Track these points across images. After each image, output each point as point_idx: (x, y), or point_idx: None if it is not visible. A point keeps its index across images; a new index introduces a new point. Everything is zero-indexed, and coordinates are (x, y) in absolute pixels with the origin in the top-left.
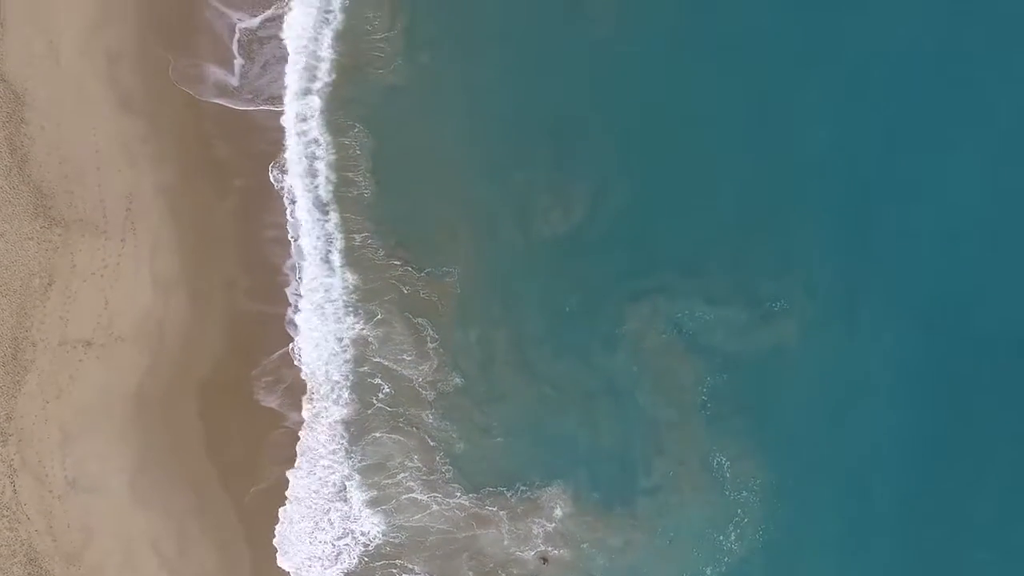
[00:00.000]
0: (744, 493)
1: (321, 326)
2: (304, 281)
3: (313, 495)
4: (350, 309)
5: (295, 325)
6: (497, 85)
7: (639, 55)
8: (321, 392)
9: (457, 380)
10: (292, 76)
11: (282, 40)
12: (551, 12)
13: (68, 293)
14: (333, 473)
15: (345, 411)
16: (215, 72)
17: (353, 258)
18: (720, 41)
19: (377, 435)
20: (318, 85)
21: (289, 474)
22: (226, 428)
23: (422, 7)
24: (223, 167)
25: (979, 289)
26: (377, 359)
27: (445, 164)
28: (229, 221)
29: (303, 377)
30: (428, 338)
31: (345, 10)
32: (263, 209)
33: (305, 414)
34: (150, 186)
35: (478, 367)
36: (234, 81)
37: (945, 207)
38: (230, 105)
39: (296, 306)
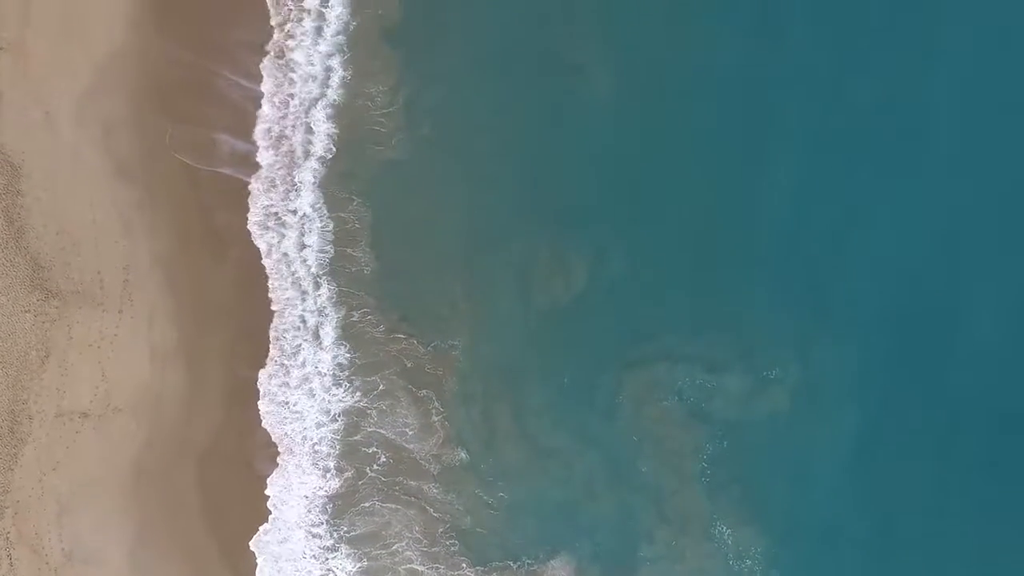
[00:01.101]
0: (747, 562)
1: (306, 400)
2: (288, 354)
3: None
4: (342, 382)
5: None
6: (497, 156)
7: (640, 125)
8: (303, 463)
9: (462, 454)
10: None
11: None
12: (552, 82)
13: (65, 365)
14: (321, 541)
15: (333, 483)
16: (218, 139)
17: (351, 333)
18: (721, 113)
19: (367, 504)
20: (310, 162)
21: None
22: (226, 499)
23: (423, 82)
24: (221, 236)
25: (974, 357)
26: (373, 429)
27: (445, 236)
28: (227, 291)
29: (279, 450)
30: (433, 410)
31: (345, 84)
32: (261, 278)
33: (272, 489)
34: (147, 256)
35: (483, 440)
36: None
37: (935, 282)
38: (230, 174)
39: (284, 378)
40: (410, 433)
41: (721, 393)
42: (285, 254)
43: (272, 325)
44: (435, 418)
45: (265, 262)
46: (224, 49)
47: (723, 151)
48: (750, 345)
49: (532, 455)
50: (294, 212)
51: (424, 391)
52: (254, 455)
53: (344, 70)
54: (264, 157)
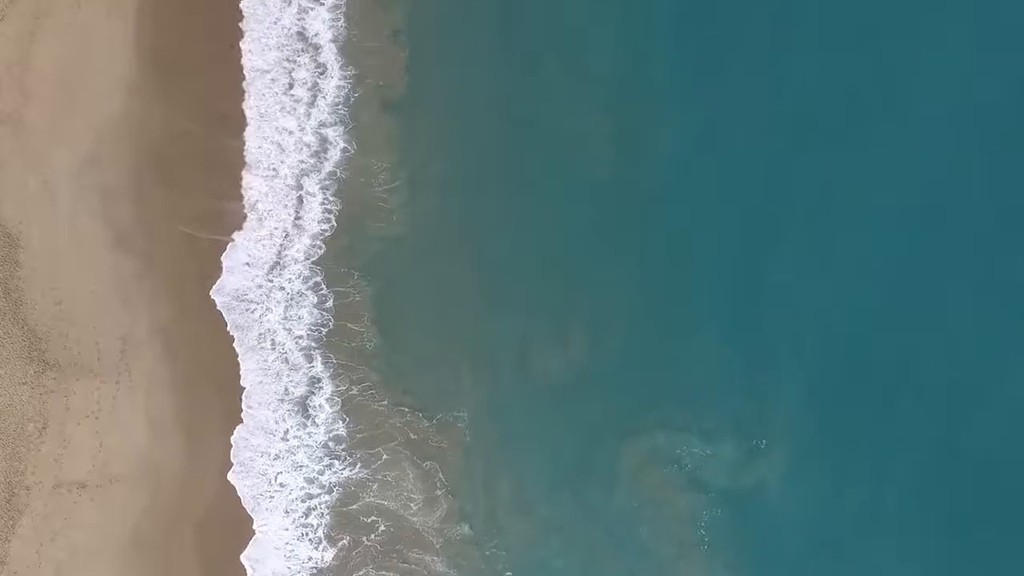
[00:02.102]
0: None
1: (293, 477)
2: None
3: None
4: (340, 455)
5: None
6: (499, 229)
7: (640, 198)
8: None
9: (466, 528)
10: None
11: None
12: (554, 155)
13: (63, 436)
14: None
15: (327, 553)
16: (217, 207)
17: (351, 406)
18: (718, 191)
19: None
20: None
21: None
22: (225, 568)
23: (426, 156)
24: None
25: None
26: (372, 499)
27: (448, 310)
28: (225, 360)
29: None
30: (438, 483)
31: (347, 158)
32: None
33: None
34: (145, 326)
35: (486, 513)
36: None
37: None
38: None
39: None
40: (414, 507)
41: (716, 462)
42: (269, 329)
43: (246, 395)
44: (439, 491)
45: (234, 333)
46: (223, 116)
47: (721, 226)
48: (744, 416)
49: (536, 527)
50: (281, 288)
51: (428, 463)
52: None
53: (346, 143)
54: (251, 226)
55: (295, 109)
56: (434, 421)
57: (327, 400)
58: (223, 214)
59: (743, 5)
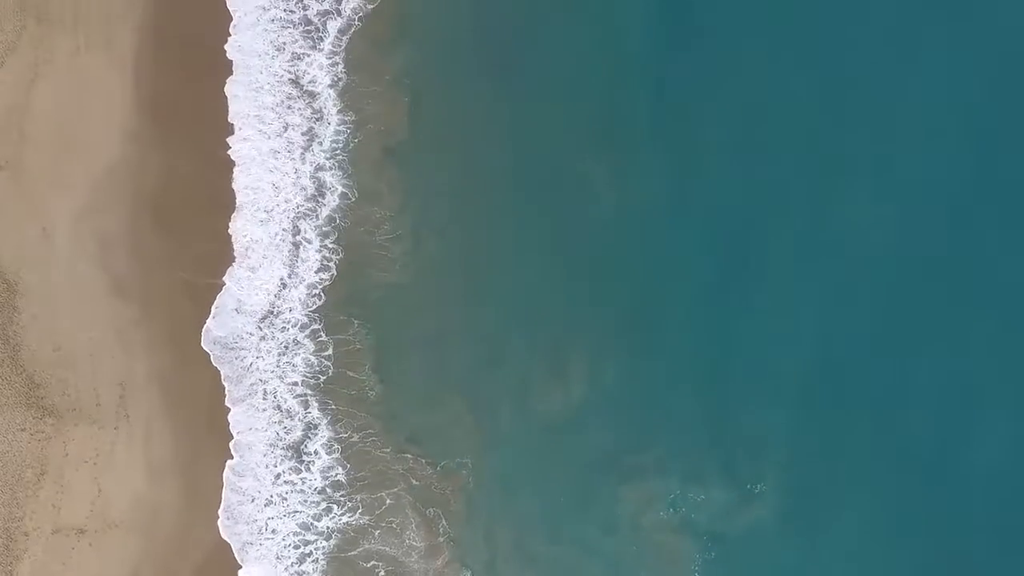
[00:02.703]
0: None
1: (284, 523)
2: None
3: None
4: (339, 500)
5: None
6: (499, 274)
7: (639, 245)
8: None
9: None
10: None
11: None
12: (556, 198)
13: (61, 482)
14: None
15: None
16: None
17: (351, 452)
18: (718, 233)
19: None
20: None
21: None
22: None
23: (428, 203)
24: None
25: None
26: (372, 545)
27: (450, 356)
28: (224, 406)
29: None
30: (440, 529)
31: (348, 205)
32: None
33: None
34: (144, 372)
35: (487, 560)
36: None
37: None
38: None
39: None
40: (415, 554)
41: (710, 505)
42: (260, 378)
43: (235, 443)
44: (441, 538)
45: (226, 382)
46: (221, 161)
47: (719, 269)
48: (738, 459)
49: (536, 573)
50: (274, 337)
51: (431, 509)
52: None
53: (346, 189)
54: (243, 273)
55: (290, 154)
56: (438, 468)
57: (323, 446)
58: (220, 259)
59: (738, 49)
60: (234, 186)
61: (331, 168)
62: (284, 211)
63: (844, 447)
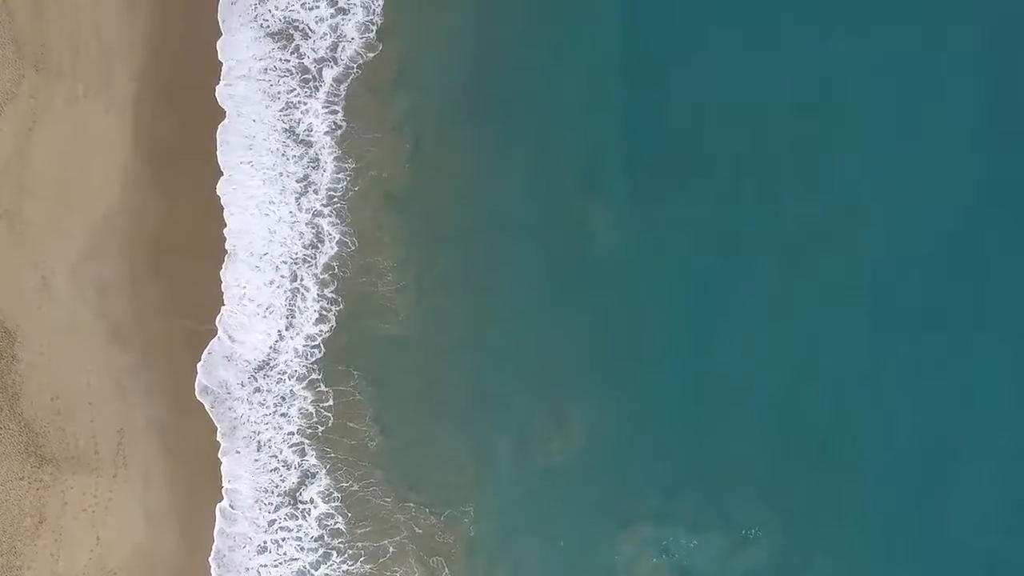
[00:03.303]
0: None
1: (280, 572)
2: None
3: None
4: (339, 549)
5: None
6: (502, 325)
7: (637, 296)
8: None
9: None
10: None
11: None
12: (560, 246)
13: (59, 530)
14: None
15: None
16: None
17: (352, 501)
18: (717, 282)
19: None
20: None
21: None
22: None
23: (432, 254)
24: None
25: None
26: None
27: (452, 406)
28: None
29: None
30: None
31: (348, 255)
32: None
33: None
34: (142, 420)
35: None
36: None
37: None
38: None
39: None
40: None
41: (705, 551)
42: (255, 430)
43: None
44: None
45: (220, 430)
46: (222, 208)
47: (715, 321)
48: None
49: None
50: (268, 390)
51: (435, 559)
52: None
53: (346, 238)
54: (238, 321)
55: (285, 201)
56: (442, 518)
57: (320, 493)
58: (221, 306)
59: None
60: (226, 232)
61: (329, 215)
62: (280, 259)
63: (840, 493)
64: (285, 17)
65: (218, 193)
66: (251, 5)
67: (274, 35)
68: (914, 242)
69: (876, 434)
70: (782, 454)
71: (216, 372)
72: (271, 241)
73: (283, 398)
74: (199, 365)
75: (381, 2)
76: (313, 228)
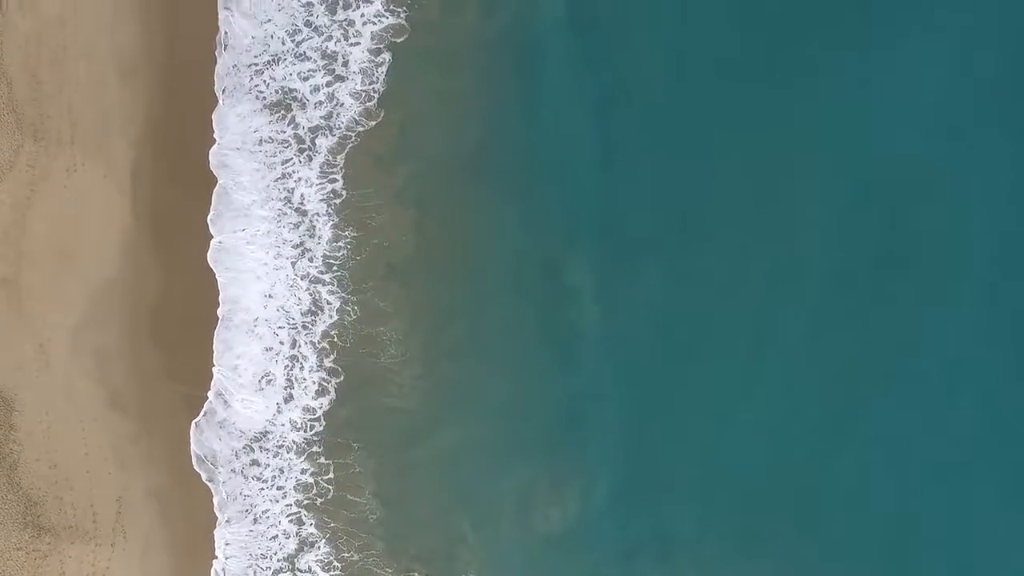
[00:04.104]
0: None
1: None
2: None
3: None
4: None
5: None
6: (504, 394)
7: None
8: None
9: None
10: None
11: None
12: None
13: None
14: None
15: None
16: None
17: (352, 571)
18: (710, 353)
19: None
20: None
21: None
22: None
23: (438, 325)
24: None
25: None
26: None
27: (453, 476)
28: None
29: None
30: None
31: (351, 326)
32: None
33: None
34: (141, 488)
35: None
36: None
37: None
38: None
39: None
40: None
41: None
42: (252, 504)
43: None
44: None
45: (215, 505)
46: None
47: (711, 389)
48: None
49: None
50: (266, 464)
51: None
52: None
53: (347, 307)
54: (233, 389)
55: (281, 270)
56: None
57: (318, 562)
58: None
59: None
60: (221, 298)
61: (329, 283)
62: (278, 327)
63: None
64: (282, 88)
65: (209, 262)
66: (248, 76)
67: (271, 106)
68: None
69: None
70: (781, 526)
71: (211, 442)
72: (267, 307)
73: (281, 471)
74: (191, 436)
75: (383, 69)
76: (312, 297)
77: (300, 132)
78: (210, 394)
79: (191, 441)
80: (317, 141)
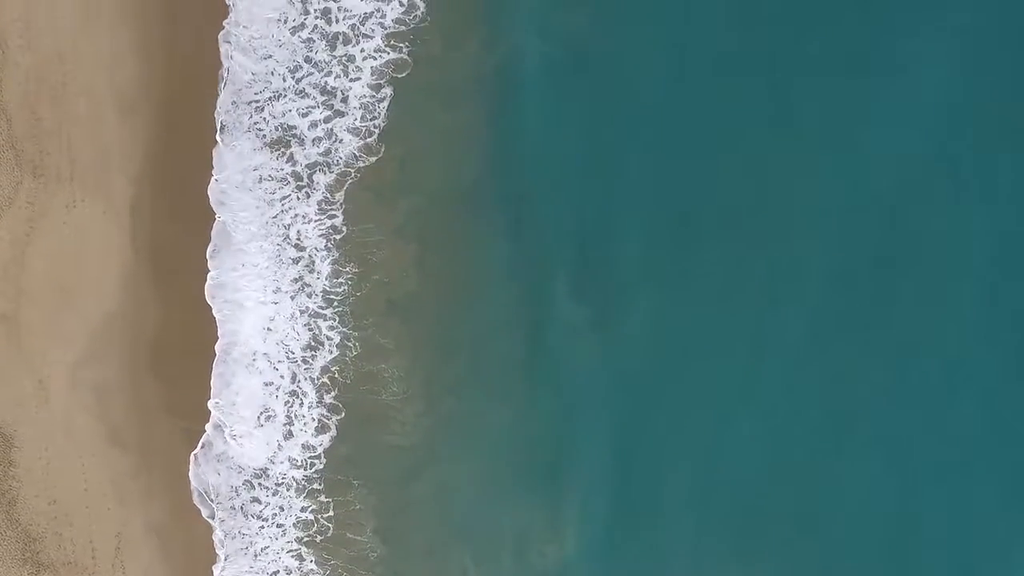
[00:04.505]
0: None
1: None
2: None
3: None
4: None
5: None
6: (505, 431)
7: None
8: None
9: None
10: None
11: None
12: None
13: None
14: None
15: None
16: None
17: None
18: (703, 390)
19: None
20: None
21: None
22: None
23: (439, 362)
24: None
25: None
26: None
27: (454, 515)
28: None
29: None
30: None
31: (352, 362)
32: None
33: None
34: (141, 523)
35: None
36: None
37: None
38: None
39: None
40: None
41: None
42: (252, 541)
43: None
44: None
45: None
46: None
47: (710, 423)
48: None
49: None
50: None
51: None
52: None
53: (348, 344)
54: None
55: (280, 306)
56: None
57: None
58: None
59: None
60: (219, 333)
61: (331, 319)
62: (277, 362)
63: None
64: (282, 124)
65: (207, 297)
66: (248, 113)
67: (271, 144)
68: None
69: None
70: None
71: (210, 478)
72: (266, 341)
73: (281, 508)
74: (190, 470)
75: (385, 104)
76: (311, 331)
77: (298, 169)
78: (208, 427)
79: (190, 476)
80: (315, 177)
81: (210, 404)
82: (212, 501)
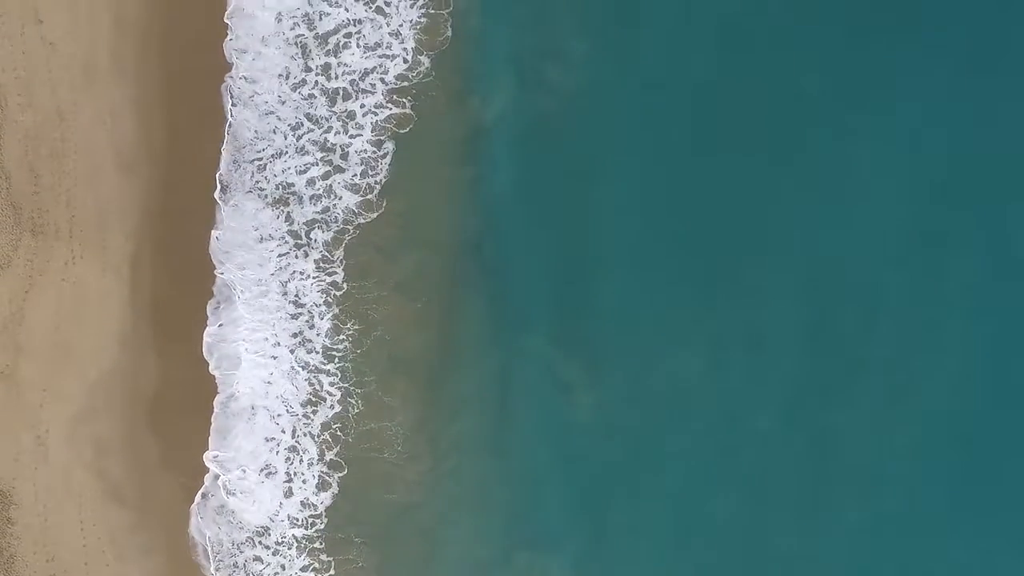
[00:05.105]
0: None
1: None
2: None
3: None
4: None
5: None
6: (508, 489)
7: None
8: None
9: None
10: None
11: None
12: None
13: None
14: None
15: None
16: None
17: None
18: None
19: None
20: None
21: None
22: None
23: (438, 421)
24: None
25: None
26: None
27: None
28: None
29: None
30: None
31: (354, 419)
32: None
33: None
34: None
35: None
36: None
37: None
38: None
39: None
40: None
41: None
42: None
43: None
44: None
45: None
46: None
47: (711, 474)
48: None
49: None
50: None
51: None
52: None
53: (351, 401)
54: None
55: (279, 363)
56: None
57: None
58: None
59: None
60: (218, 389)
61: (333, 375)
62: (276, 415)
63: None
64: (282, 183)
65: (204, 353)
66: (249, 172)
67: (272, 203)
68: None
69: None
70: None
71: (210, 533)
72: (267, 394)
73: (282, 567)
74: (191, 525)
75: (386, 160)
76: (312, 387)
77: (295, 228)
78: (207, 480)
79: (191, 530)
80: (313, 235)
81: (207, 456)
82: (212, 557)
